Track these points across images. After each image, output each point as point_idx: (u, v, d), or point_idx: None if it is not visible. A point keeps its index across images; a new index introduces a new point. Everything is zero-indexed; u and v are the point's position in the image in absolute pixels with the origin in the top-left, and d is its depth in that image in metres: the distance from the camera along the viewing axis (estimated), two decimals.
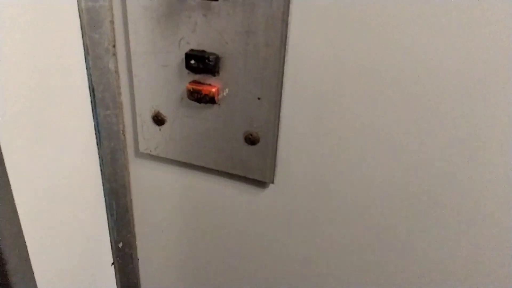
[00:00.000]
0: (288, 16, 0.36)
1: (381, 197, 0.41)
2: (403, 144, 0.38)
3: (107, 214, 0.54)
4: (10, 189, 0.39)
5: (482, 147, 0.35)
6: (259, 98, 0.40)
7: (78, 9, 0.42)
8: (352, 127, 0.39)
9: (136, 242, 0.58)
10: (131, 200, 0.54)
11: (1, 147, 0.36)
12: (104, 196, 0.53)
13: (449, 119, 0.35)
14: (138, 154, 0.51)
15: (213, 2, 0.38)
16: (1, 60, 0.35)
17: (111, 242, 0.56)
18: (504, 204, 0.36)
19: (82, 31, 0.43)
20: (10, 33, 0.35)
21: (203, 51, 0.40)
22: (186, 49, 0.41)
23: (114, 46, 0.45)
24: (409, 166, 0.39)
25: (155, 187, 0.52)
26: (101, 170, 0.51)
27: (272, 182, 0.44)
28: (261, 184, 0.46)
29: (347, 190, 0.42)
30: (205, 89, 0.41)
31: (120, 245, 0.56)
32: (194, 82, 0.42)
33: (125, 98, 0.48)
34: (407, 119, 0.37)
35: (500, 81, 0.32)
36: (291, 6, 0.36)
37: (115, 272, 0.58)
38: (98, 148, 0.49)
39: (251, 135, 0.43)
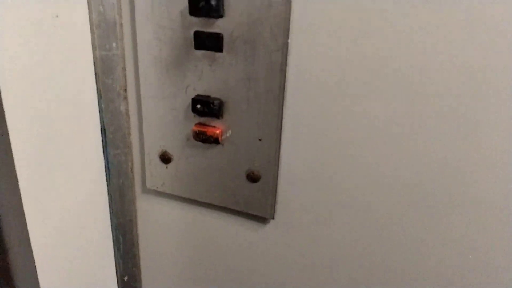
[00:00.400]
0: (286, 66, 0.39)
1: (382, 235, 0.43)
2: (405, 179, 0.40)
3: (114, 248, 0.56)
4: (26, 224, 0.41)
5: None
6: (260, 139, 0.43)
7: (93, 57, 0.45)
8: (349, 166, 0.42)
9: (141, 276, 0.59)
10: (137, 234, 0.56)
11: (19, 183, 0.39)
12: (112, 231, 0.55)
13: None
14: (145, 190, 0.53)
15: (218, 53, 0.41)
16: (22, 100, 0.38)
17: (117, 276, 0.58)
18: None
19: (96, 77, 0.46)
20: (32, 78, 0.38)
21: (208, 97, 0.44)
22: (193, 94, 0.44)
23: (125, 90, 0.48)
24: (415, 202, 0.41)
25: (160, 222, 0.55)
26: (109, 206, 0.53)
27: (273, 218, 0.47)
28: (262, 220, 0.48)
29: (346, 227, 0.44)
30: (209, 131, 0.44)
31: (126, 278, 0.58)
32: (200, 124, 0.45)
33: (134, 138, 0.51)
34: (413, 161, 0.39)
35: None
36: (289, 57, 0.39)
37: None
38: (107, 184, 0.52)
39: (252, 173, 0.45)
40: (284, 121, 0.42)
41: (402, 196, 0.41)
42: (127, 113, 0.49)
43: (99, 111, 0.48)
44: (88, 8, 0.42)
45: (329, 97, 0.40)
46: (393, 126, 0.38)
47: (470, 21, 0.33)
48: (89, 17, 0.43)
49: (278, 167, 0.44)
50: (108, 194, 0.52)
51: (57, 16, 0.39)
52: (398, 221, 0.42)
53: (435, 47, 0.35)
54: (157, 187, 0.51)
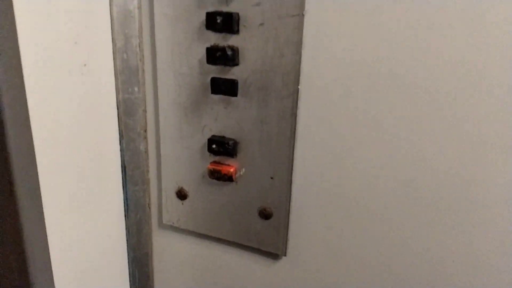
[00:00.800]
0: (296, 110, 0.42)
1: (398, 271, 0.44)
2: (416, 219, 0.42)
3: (129, 281, 0.57)
4: (49, 256, 0.43)
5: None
6: (272, 178, 0.45)
7: (117, 100, 0.48)
8: (359, 203, 0.43)
9: None
10: (152, 268, 0.58)
11: (45, 217, 0.42)
12: (128, 264, 0.57)
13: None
14: (162, 225, 0.55)
15: (233, 98, 0.44)
16: (52, 138, 0.41)
17: None
18: None
19: (118, 118, 0.49)
20: (60, 119, 0.42)
21: (223, 137, 0.46)
22: (209, 135, 0.47)
23: (145, 130, 0.51)
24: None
25: (175, 256, 0.56)
26: (127, 240, 0.55)
27: (285, 255, 0.48)
28: (274, 256, 0.50)
29: (358, 262, 0.45)
30: (224, 169, 0.47)
31: None
32: (215, 162, 0.48)
33: (152, 175, 0.53)
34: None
35: None
36: (299, 102, 0.42)
37: None
38: (125, 219, 0.54)
39: (265, 210, 0.47)
40: (295, 161, 0.44)
41: (417, 241, 0.42)
42: (146, 152, 0.52)
43: (121, 150, 0.50)
44: (114, 56, 0.46)
45: (337, 139, 0.42)
46: (406, 166, 0.40)
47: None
48: (114, 63, 0.46)
49: (289, 204, 0.46)
50: (126, 228, 0.54)
51: (85, 65, 0.42)
52: (413, 261, 0.43)
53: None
54: (172, 223, 0.53)
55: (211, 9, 0.41)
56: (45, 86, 0.38)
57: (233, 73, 0.43)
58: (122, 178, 0.52)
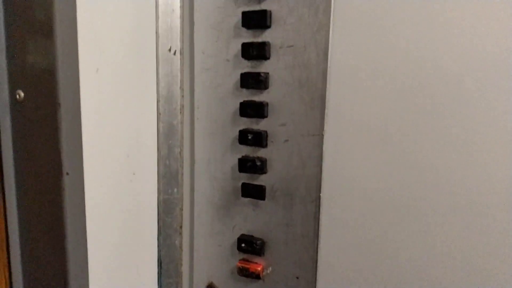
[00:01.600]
0: (319, 215, 0.46)
1: None
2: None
3: None
4: None
5: None
6: (297, 277, 0.48)
7: (157, 200, 0.54)
8: None
9: None
10: None
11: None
12: None
13: None
14: None
15: (261, 201, 0.49)
16: (103, 237, 0.46)
17: None
18: None
19: (158, 216, 0.55)
20: (110, 220, 0.47)
21: (252, 236, 0.50)
22: (238, 234, 0.51)
23: (181, 227, 0.56)
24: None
25: None
26: None
27: None
28: None
29: None
30: (252, 267, 0.50)
31: None
32: (243, 260, 0.51)
33: (185, 269, 0.57)
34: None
35: None
36: (321, 208, 0.46)
37: None
38: None
39: None
40: (319, 262, 0.47)
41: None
42: (181, 247, 0.56)
43: (158, 245, 0.55)
44: (158, 163, 0.52)
45: (359, 242, 0.45)
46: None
47: None
48: (158, 169, 0.53)
49: None
50: None
51: (134, 173, 0.49)
52: None
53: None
54: None
55: (243, 126, 0.48)
56: (98, 197, 0.45)
57: (261, 179, 0.48)
58: (158, 272, 0.56)
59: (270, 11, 0.44)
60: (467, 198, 0.39)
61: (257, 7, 0.44)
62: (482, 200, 0.39)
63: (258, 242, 0.49)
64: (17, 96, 0.40)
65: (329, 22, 0.42)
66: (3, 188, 0.42)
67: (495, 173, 0.38)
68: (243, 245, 0.50)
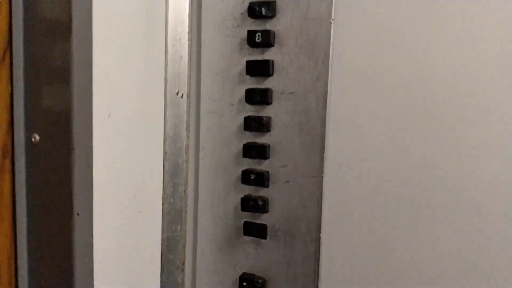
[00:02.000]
0: (319, 255, 0.47)
1: None
2: None
3: None
4: None
5: None
6: None
7: (161, 238, 0.55)
8: None
9: None
10: None
11: None
12: None
13: None
14: None
15: (262, 240, 0.50)
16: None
17: None
18: None
19: (161, 254, 0.56)
20: (114, 256, 0.48)
21: (253, 275, 0.51)
22: (240, 272, 0.52)
23: (183, 263, 0.57)
24: None
25: None
26: None
27: None
28: None
29: None
30: None
31: None
32: None
33: None
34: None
35: None
36: (321, 248, 0.47)
37: None
38: None
39: None
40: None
41: None
42: (183, 283, 0.57)
43: (161, 282, 0.56)
44: (162, 202, 0.54)
45: (360, 279, 0.46)
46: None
47: None
48: (162, 207, 0.54)
49: None
50: None
51: (140, 212, 0.50)
52: None
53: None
54: None
55: (246, 167, 0.50)
56: (106, 236, 0.46)
57: (263, 219, 0.50)
58: None
59: (273, 61, 0.47)
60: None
61: (260, 57, 0.47)
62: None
63: (260, 280, 0.50)
64: (33, 139, 0.42)
65: (328, 72, 0.45)
66: (15, 227, 0.44)
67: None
68: (244, 283, 0.51)
